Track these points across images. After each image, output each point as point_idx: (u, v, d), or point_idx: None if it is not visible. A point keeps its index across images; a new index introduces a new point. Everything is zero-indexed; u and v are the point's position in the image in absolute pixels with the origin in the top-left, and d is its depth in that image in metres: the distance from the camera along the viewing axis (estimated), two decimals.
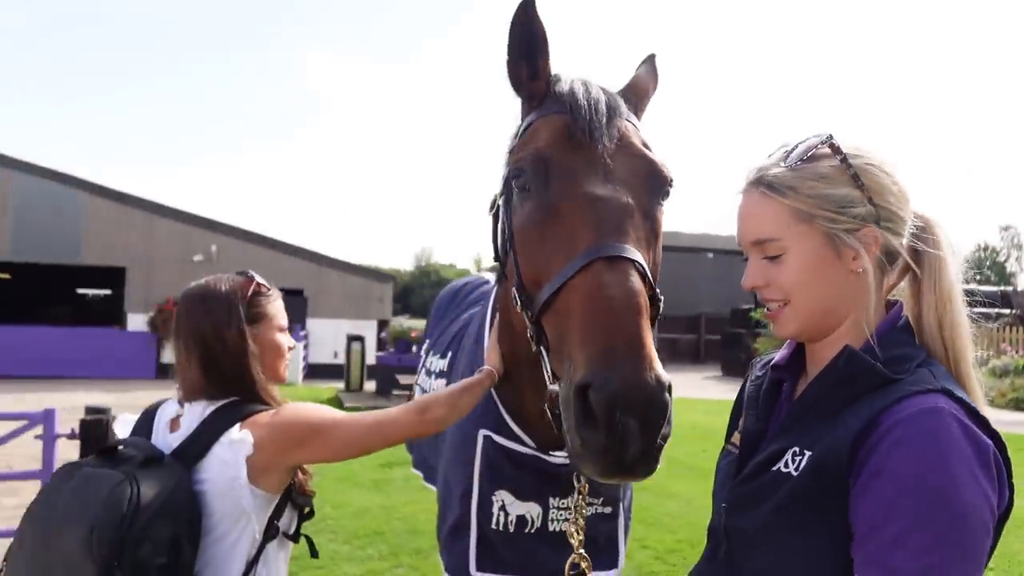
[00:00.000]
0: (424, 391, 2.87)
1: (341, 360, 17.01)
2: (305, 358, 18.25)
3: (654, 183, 1.53)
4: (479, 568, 2.07)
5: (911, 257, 1.18)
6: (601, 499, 2.09)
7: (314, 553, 2.02)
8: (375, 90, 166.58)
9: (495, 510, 2.03)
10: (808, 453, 1.07)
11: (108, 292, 26.28)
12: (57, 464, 3.64)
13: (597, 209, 1.41)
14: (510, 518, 2.04)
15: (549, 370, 1.44)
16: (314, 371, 19.21)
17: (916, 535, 0.93)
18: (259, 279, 1.89)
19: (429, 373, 2.84)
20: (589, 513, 2.12)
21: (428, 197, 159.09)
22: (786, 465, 1.10)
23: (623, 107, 1.62)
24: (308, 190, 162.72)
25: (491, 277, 3.55)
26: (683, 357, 27.28)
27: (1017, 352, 16.45)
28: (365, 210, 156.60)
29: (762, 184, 1.16)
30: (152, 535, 1.41)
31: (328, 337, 19.61)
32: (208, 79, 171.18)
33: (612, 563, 2.20)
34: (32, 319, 21.96)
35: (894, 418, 1.00)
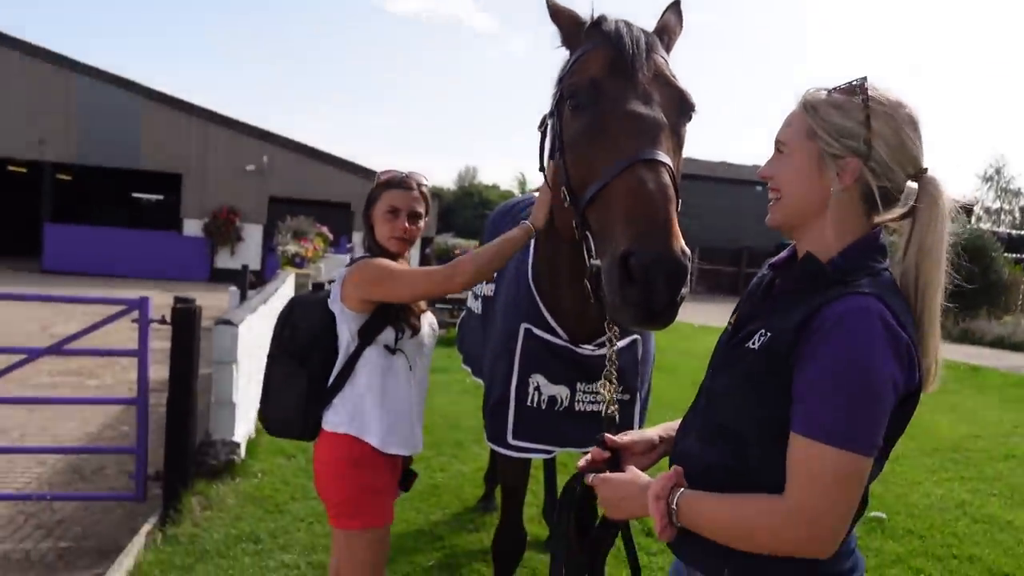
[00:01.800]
0: (475, 294, 3.17)
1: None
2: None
3: (682, 107, 1.85)
4: (514, 437, 2.47)
5: (911, 208, 1.32)
6: (622, 387, 2.36)
7: (406, 486, 2.49)
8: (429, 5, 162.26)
9: (531, 390, 2.42)
10: (769, 334, 1.30)
11: (162, 197, 27.11)
12: (151, 345, 4.20)
13: (638, 123, 1.72)
14: (543, 397, 2.42)
15: (592, 252, 1.75)
16: None
17: (836, 398, 1.18)
18: (392, 172, 2.41)
19: (474, 295, 3.16)
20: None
21: (474, 117, 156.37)
22: (753, 342, 1.32)
23: (659, 44, 1.93)
24: (360, 106, 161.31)
25: None
26: (723, 289, 27.34)
27: None
28: (411, 128, 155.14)
29: (803, 101, 1.36)
30: (297, 322, 2.35)
31: None
32: None
33: None
34: (91, 220, 22.76)
35: (830, 311, 1.21)
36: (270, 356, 2.39)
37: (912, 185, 1.32)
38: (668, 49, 2.03)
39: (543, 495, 4.22)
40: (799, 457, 1.20)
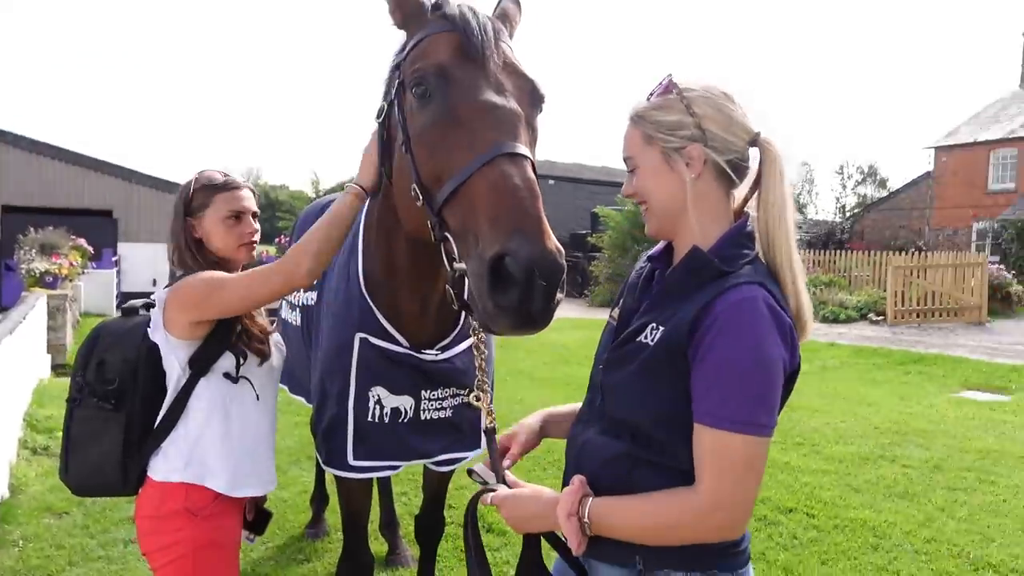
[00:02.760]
0: (292, 304, 2.86)
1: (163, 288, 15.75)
2: (118, 285, 16.65)
3: (534, 97, 1.77)
4: (356, 457, 2.26)
5: (758, 172, 1.42)
6: (467, 389, 2.32)
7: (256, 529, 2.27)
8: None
9: (371, 405, 2.23)
10: (662, 328, 1.33)
11: None
12: None
13: (496, 115, 1.61)
14: (385, 411, 2.24)
15: (455, 255, 1.60)
16: (130, 300, 17.64)
17: (738, 388, 1.24)
18: (212, 172, 2.10)
19: (292, 307, 2.86)
20: (456, 403, 2.36)
21: (256, 112, 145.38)
22: (645, 336, 1.35)
23: (505, 31, 1.83)
24: (112, 99, 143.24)
25: None
26: None
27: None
28: (182, 124, 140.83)
29: (631, 116, 1.45)
30: (105, 356, 1.97)
31: (144, 263, 17.78)
32: None
33: (476, 444, 2.47)
34: None
35: (721, 305, 1.27)
36: (70, 401, 2.01)
37: (754, 151, 1.42)
38: (510, 36, 1.92)
39: (378, 510, 3.96)
40: (709, 448, 1.25)
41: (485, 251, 1.44)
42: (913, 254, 18.19)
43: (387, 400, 2.24)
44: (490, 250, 1.42)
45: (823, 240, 27.97)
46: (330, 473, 2.39)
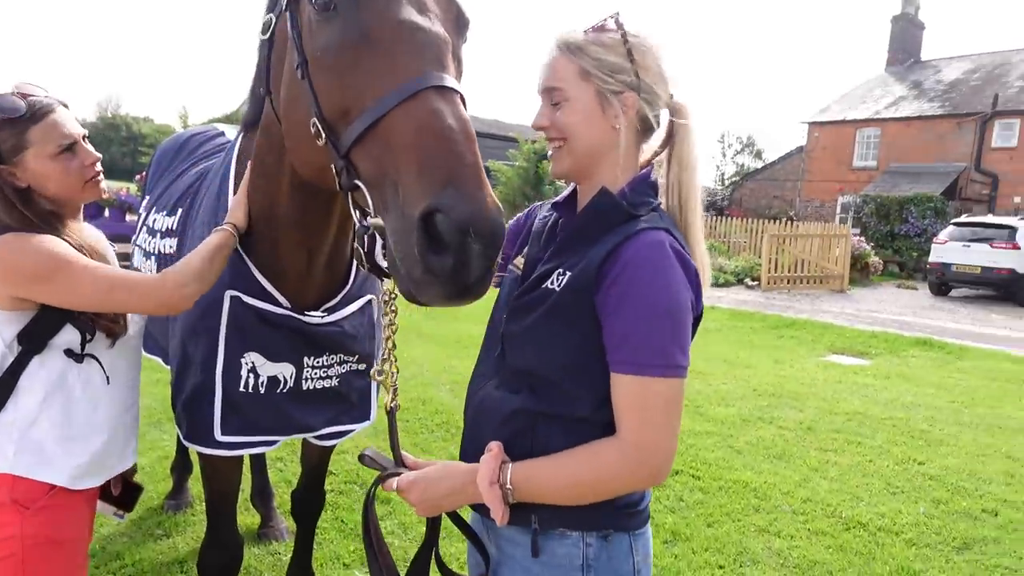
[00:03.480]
0: (147, 252, 2.53)
1: None
2: None
3: (460, 22, 1.50)
4: (225, 432, 1.98)
5: (667, 132, 1.42)
6: (356, 356, 2.11)
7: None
8: None
9: (243, 372, 1.94)
10: (569, 273, 1.29)
11: None
12: None
13: (420, 38, 1.34)
14: (261, 380, 1.96)
15: (370, 206, 1.32)
16: None
17: (652, 331, 1.22)
18: (2, 99, 1.64)
19: (152, 232, 2.52)
20: (343, 371, 2.12)
21: (114, 35, 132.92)
22: (551, 282, 1.31)
23: None
24: None
25: (225, 128, 3.17)
26: None
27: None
28: (27, 42, 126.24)
29: (561, 45, 1.36)
30: None
31: None
32: None
33: (364, 416, 2.25)
34: None
35: (631, 249, 1.25)
36: None
37: (666, 112, 1.41)
38: None
39: (249, 476, 3.63)
40: (628, 394, 1.24)
41: (411, 205, 1.18)
42: (786, 223, 19.17)
43: (263, 368, 1.96)
44: (417, 205, 1.17)
45: (704, 206, 28.99)
46: (193, 449, 2.06)
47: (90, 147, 1.73)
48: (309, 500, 2.61)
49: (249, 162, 1.89)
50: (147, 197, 2.97)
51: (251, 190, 1.85)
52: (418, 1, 1.39)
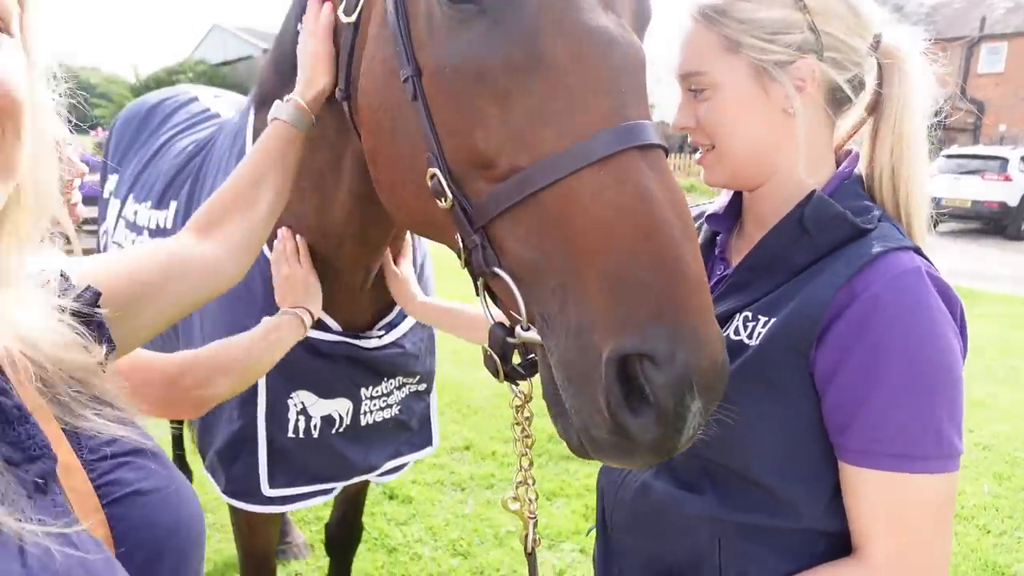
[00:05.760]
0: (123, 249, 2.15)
1: None
2: None
3: (642, 17, 1.03)
4: (274, 485, 1.66)
5: (872, 96, 1.05)
6: (416, 377, 1.83)
7: None
8: None
9: (292, 415, 1.63)
10: (767, 319, 0.98)
11: None
12: None
13: (615, 59, 0.88)
14: (313, 421, 1.65)
15: (518, 302, 0.91)
16: None
17: (914, 407, 0.90)
18: None
19: (135, 227, 2.15)
20: (404, 395, 1.83)
21: None
22: (739, 332, 1.00)
23: None
24: None
25: (202, 94, 2.61)
26: None
27: None
28: None
29: (695, 10, 1.04)
30: None
31: None
32: None
33: (427, 441, 1.96)
34: None
35: (874, 284, 0.92)
36: None
37: (872, 65, 1.04)
38: None
39: None
40: (880, 498, 0.92)
41: (598, 335, 0.80)
42: None
43: (315, 407, 1.65)
44: (610, 338, 0.79)
45: (679, 144, 28.47)
46: (235, 506, 1.71)
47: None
48: (347, 532, 2.28)
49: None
50: (113, 176, 2.49)
51: (295, 198, 1.36)
52: None
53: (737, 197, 1.16)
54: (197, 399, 1.19)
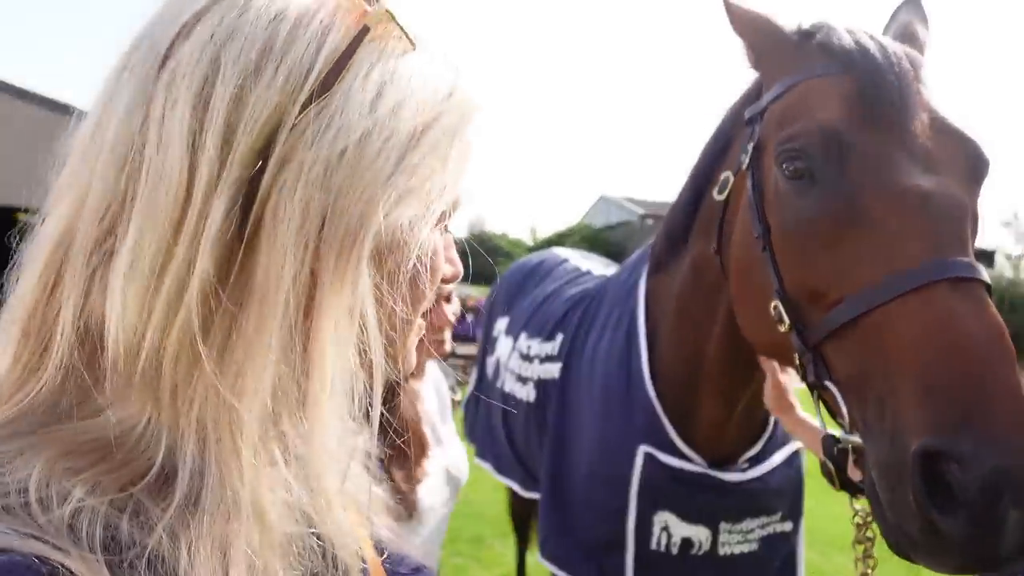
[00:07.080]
0: (522, 377, 2.39)
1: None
2: None
3: (977, 170, 1.15)
4: None
5: None
6: (779, 514, 1.79)
7: None
8: None
9: (655, 530, 1.71)
10: None
11: None
12: None
13: (930, 210, 1.05)
14: (673, 540, 1.71)
15: (844, 413, 1.11)
16: None
17: None
18: None
19: (528, 357, 2.38)
20: (766, 533, 1.80)
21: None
22: None
23: (923, 68, 1.21)
24: None
25: (565, 254, 3.03)
26: None
27: None
28: None
29: None
30: None
31: None
32: None
33: None
34: None
35: None
36: None
37: None
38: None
39: None
40: None
41: (906, 434, 0.94)
42: None
43: (676, 528, 1.70)
44: (915, 436, 0.92)
45: None
46: None
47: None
48: None
49: (663, 304, 1.77)
50: (503, 318, 2.87)
51: (667, 338, 1.71)
52: (924, 154, 1.10)
53: None
54: None
